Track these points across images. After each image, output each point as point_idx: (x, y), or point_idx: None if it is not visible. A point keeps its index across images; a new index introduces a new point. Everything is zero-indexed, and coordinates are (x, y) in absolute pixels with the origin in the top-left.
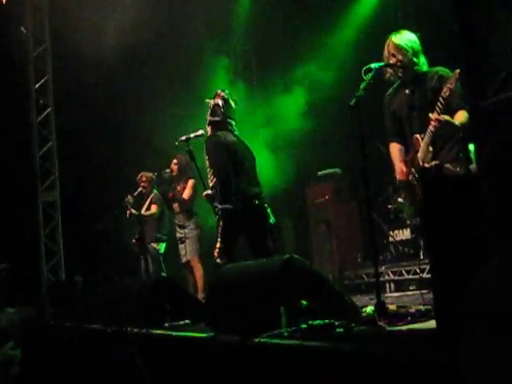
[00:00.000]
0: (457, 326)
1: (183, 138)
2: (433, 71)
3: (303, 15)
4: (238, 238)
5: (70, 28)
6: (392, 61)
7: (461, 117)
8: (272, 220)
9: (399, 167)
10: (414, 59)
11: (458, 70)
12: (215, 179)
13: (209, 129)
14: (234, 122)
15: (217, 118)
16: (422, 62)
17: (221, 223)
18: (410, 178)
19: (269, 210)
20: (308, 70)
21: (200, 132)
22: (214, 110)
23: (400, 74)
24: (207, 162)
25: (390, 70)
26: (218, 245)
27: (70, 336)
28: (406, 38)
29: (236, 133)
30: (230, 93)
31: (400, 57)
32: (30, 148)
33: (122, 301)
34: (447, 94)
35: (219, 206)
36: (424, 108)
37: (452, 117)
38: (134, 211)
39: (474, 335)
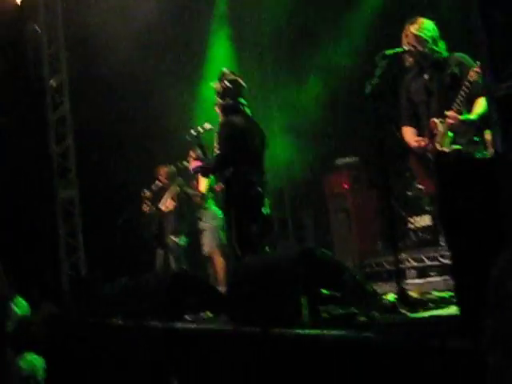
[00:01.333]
0: (479, 311)
1: (194, 133)
2: (452, 57)
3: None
4: (250, 224)
5: (85, 24)
6: (409, 46)
7: (479, 106)
8: (266, 211)
9: (415, 140)
10: (435, 47)
11: (478, 63)
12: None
13: (219, 113)
14: (245, 102)
15: (227, 101)
16: (442, 48)
17: (232, 211)
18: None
19: (266, 200)
20: (324, 57)
21: (208, 126)
22: (224, 92)
23: (418, 61)
24: (217, 146)
25: (409, 58)
26: (235, 234)
27: (91, 331)
28: (424, 28)
29: (248, 113)
30: (234, 72)
31: (420, 48)
32: (47, 146)
33: (143, 295)
34: (465, 91)
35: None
36: (442, 93)
37: (472, 105)
38: (151, 206)
39: (495, 321)
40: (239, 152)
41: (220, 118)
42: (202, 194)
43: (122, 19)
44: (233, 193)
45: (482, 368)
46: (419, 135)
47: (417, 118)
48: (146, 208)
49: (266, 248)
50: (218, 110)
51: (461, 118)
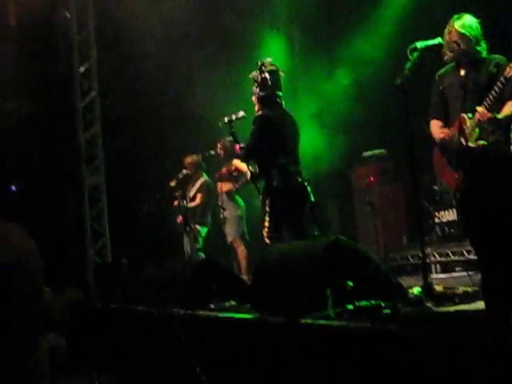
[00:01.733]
0: (505, 306)
1: (225, 119)
2: (491, 58)
3: None
4: (284, 216)
5: (114, 11)
6: (452, 45)
7: (508, 108)
8: (312, 199)
9: (442, 133)
10: (477, 47)
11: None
12: (245, 157)
13: (256, 103)
14: (281, 94)
15: (265, 93)
16: (483, 49)
17: (267, 202)
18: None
19: (309, 188)
20: (354, 49)
21: (241, 114)
22: (263, 84)
23: (458, 58)
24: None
25: (449, 53)
26: (266, 224)
27: (116, 318)
28: (468, 26)
29: (283, 106)
30: (272, 62)
31: (463, 46)
32: (75, 132)
33: (168, 282)
34: (500, 87)
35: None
36: (477, 91)
37: (502, 106)
38: (180, 201)
39: None
40: (276, 145)
41: (256, 108)
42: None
43: (152, 6)
44: (273, 184)
45: (508, 363)
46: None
47: (446, 112)
48: (176, 203)
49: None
50: (254, 100)
51: (490, 115)
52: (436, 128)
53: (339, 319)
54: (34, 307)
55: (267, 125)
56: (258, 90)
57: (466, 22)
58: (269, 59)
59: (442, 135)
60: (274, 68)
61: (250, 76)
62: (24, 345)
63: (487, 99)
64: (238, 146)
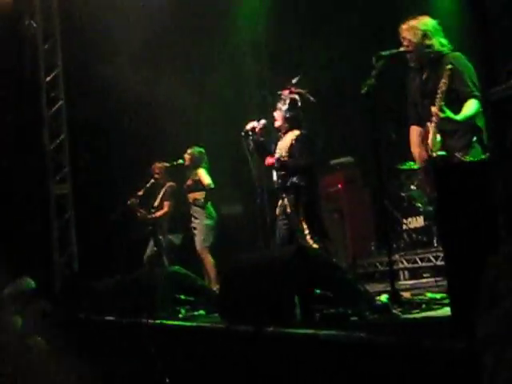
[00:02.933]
0: (472, 313)
1: (250, 127)
2: (448, 57)
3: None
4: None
5: (80, 20)
6: (404, 45)
7: (467, 108)
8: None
9: (417, 152)
10: (426, 41)
11: (448, 67)
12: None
13: (281, 121)
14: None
15: (294, 113)
16: (440, 44)
17: (300, 212)
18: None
19: None
20: (317, 57)
21: (263, 122)
22: (292, 105)
23: (413, 59)
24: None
25: (411, 58)
26: (306, 232)
27: (84, 328)
28: (418, 20)
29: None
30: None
31: (410, 37)
32: (41, 141)
33: (136, 292)
34: (443, 88)
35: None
36: (435, 96)
37: (462, 105)
38: (143, 213)
39: (488, 321)
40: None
41: (278, 124)
42: (209, 188)
43: (118, 13)
44: (304, 199)
45: (475, 368)
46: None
47: (421, 117)
48: (139, 215)
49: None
50: (278, 115)
51: (441, 115)
52: (413, 136)
53: (307, 327)
54: None
55: (312, 145)
56: (285, 108)
57: (416, 19)
58: (298, 78)
59: (418, 148)
60: (302, 91)
61: (279, 92)
62: None
63: (437, 100)
64: (269, 159)
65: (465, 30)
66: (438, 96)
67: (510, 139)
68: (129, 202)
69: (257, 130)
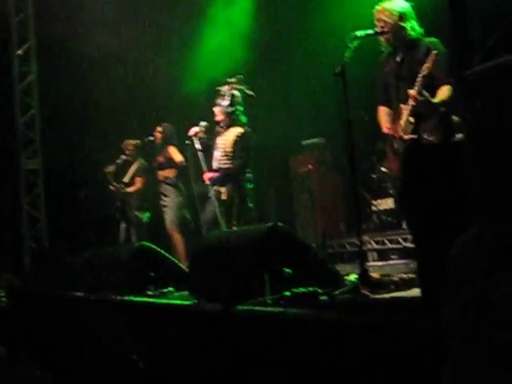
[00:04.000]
0: (440, 293)
1: (193, 133)
2: (424, 41)
3: None
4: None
5: None
6: (378, 27)
7: (442, 93)
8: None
9: (387, 130)
10: (401, 23)
11: (434, 52)
12: (236, 164)
13: (222, 115)
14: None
15: (231, 109)
16: (412, 28)
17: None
18: (394, 145)
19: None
20: (291, 37)
21: (204, 124)
22: (233, 100)
23: (389, 40)
24: (232, 148)
25: (383, 41)
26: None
27: (52, 304)
28: (393, 3)
29: (244, 121)
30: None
31: (385, 18)
32: (12, 115)
33: (105, 268)
34: (424, 72)
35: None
36: (410, 79)
37: (436, 92)
38: (116, 186)
39: (450, 306)
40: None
41: (220, 118)
42: (182, 165)
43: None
44: (241, 190)
45: (442, 348)
46: (393, 117)
47: (391, 99)
48: (112, 188)
49: None
50: (218, 110)
51: (420, 98)
52: (382, 116)
53: (276, 306)
54: None
55: (251, 142)
56: (225, 104)
57: (390, 1)
58: (238, 77)
59: (386, 130)
60: (241, 86)
61: (218, 88)
62: None
63: (417, 83)
64: (209, 177)
65: (434, 13)
66: (417, 79)
67: (472, 119)
68: (106, 170)
69: (199, 133)
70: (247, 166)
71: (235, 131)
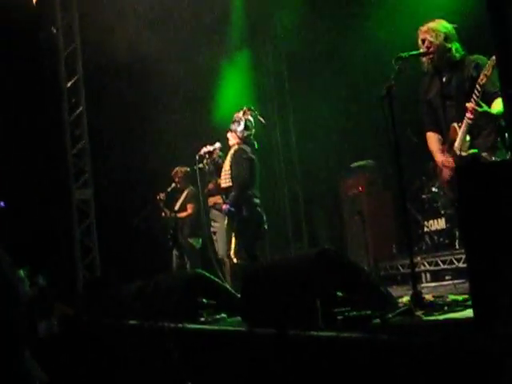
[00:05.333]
0: (494, 314)
1: (206, 151)
2: (470, 59)
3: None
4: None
5: (100, 26)
6: (423, 47)
7: (498, 105)
8: (265, 226)
9: (440, 159)
10: (447, 44)
11: (494, 57)
12: (233, 185)
13: (235, 139)
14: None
15: (247, 133)
16: (456, 50)
17: (235, 227)
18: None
19: (264, 216)
20: (341, 61)
21: (218, 145)
22: (247, 125)
23: (434, 61)
24: (230, 168)
25: (425, 60)
26: (232, 245)
27: (105, 332)
28: (437, 23)
29: (256, 146)
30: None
31: (430, 38)
32: (63, 147)
33: (158, 296)
34: (484, 81)
35: (231, 209)
36: (461, 97)
37: (489, 105)
38: (168, 212)
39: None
40: (252, 178)
41: (232, 143)
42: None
43: (137, 18)
44: (242, 213)
45: (497, 370)
46: (443, 141)
47: (439, 121)
48: (163, 214)
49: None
50: (232, 136)
51: (479, 109)
52: (433, 143)
53: (329, 330)
54: (16, 326)
55: (247, 159)
56: (241, 128)
57: (435, 22)
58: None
59: (439, 159)
60: (254, 114)
61: (235, 115)
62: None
63: (474, 97)
64: (225, 208)
65: (474, 30)
66: (476, 91)
67: None
68: (158, 197)
69: (214, 153)
70: (247, 184)
71: (233, 149)
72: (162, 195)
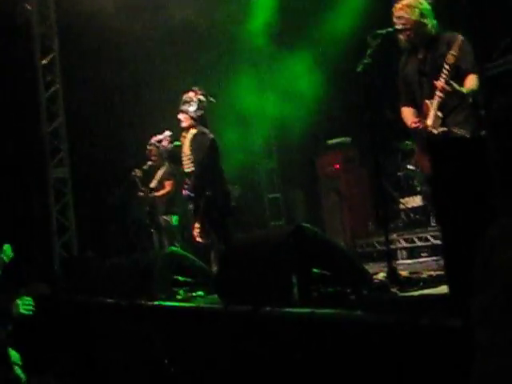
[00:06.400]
0: (468, 289)
1: (155, 140)
2: (445, 36)
3: None
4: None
5: (76, 2)
6: (399, 24)
7: (469, 82)
8: (233, 203)
9: (412, 121)
10: (422, 20)
11: (460, 37)
12: (198, 169)
13: (188, 120)
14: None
15: (200, 112)
16: (432, 26)
17: (201, 207)
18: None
19: (235, 193)
20: (316, 36)
21: (168, 133)
22: (199, 104)
23: (411, 38)
24: (192, 152)
25: (402, 38)
26: (197, 225)
27: (83, 310)
28: (412, 0)
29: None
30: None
31: (406, 15)
32: (38, 125)
33: (135, 274)
34: (451, 60)
35: (207, 193)
36: (434, 74)
37: (462, 81)
38: (145, 191)
39: (482, 298)
40: (217, 158)
41: (186, 124)
42: None
43: None
44: (206, 193)
45: (471, 346)
46: (418, 115)
47: (415, 98)
48: (140, 194)
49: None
50: (184, 117)
51: (448, 88)
52: (407, 115)
53: (305, 306)
54: None
55: (215, 144)
56: (194, 109)
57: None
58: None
59: (413, 125)
60: (205, 93)
61: (184, 96)
62: None
63: (443, 74)
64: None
65: (450, 9)
66: (443, 69)
67: (496, 113)
68: (133, 173)
69: (163, 142)
70: (210, 167)
71: (191, 133)
72: (138, 172)
